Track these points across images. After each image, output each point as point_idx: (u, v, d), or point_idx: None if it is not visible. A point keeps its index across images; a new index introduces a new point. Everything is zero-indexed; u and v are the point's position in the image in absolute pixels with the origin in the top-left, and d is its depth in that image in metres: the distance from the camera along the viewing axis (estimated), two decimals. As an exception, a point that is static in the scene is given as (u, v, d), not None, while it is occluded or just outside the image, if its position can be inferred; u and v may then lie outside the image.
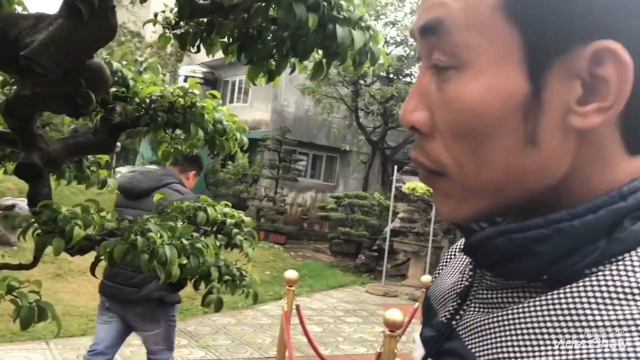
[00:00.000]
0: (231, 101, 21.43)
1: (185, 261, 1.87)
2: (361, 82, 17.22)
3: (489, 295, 0.59)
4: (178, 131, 2.52)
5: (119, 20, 1.73)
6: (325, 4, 1.52)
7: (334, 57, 1.75)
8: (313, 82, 17.61)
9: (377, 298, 11.90)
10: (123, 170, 19.37)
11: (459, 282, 0.66)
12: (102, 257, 1.94)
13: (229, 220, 2.44)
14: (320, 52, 1.85)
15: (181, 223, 2.12)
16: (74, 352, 6.59)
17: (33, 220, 1.83)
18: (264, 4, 1.67)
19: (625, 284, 0.46)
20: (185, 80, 20.61)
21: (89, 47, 1.64)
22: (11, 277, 1.62)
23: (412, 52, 16.58)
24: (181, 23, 2.05)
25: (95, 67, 1.81)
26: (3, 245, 9.24)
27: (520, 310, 0.52)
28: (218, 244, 2.32)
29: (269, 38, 1.95)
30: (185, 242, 1.96)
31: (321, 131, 19.95)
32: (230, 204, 2.71)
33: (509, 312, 0.53)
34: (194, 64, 21.48)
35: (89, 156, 2.58)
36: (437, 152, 0.55)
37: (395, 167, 13.90)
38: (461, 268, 0.69)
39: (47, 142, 2.10)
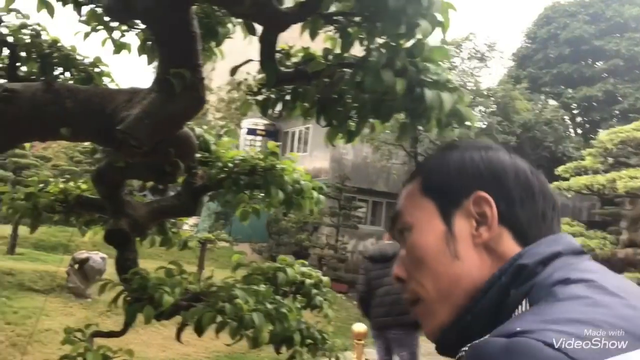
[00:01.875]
0: (291, 150, 21.74)
1: (270, 327, 1.85)
2: (420, 127, 17.15)
3: None
4: (255, 191, 2.55)
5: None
6: (413, 68, 1.51)
7: (420, 118, 1.73)
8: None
9: (446, 349, 11.43)
10: (203, 225, 19.81)
11: None
12: (188, 323, 1.95)
13: (307, 281, 2.41)
14: (402, 113, 1.83)
15: (263, 286, 2.11)
16: (144, 406, 6.60)
17: (122, 288, 1.86)
18: (348, 70, 1.68)
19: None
20: (248, 133, 21.16)
21: (180, 119, 1.69)
22: (105, 347, 1.64)
23: (471, 97, 16.44)
24: (262, 90, 2.11)
25: (183, 136, 1.87)
26: (78, 297, 9.53)
27: None
28: (298, 305, 2.29)
29: (349, 101, 1.96)
30: (269, 306, 1.95)
31: (380, 177, 19.85)
32: (304, 262, 2.69)
33: None
34: (256, 117, 22.03)
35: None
36: (412, 287, 0.87)
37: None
38: None
39: (134, 208, 2.16)
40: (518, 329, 0.66)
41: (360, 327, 5.84)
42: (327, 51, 1.79)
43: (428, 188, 0.89)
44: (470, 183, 0.85)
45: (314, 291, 2.39)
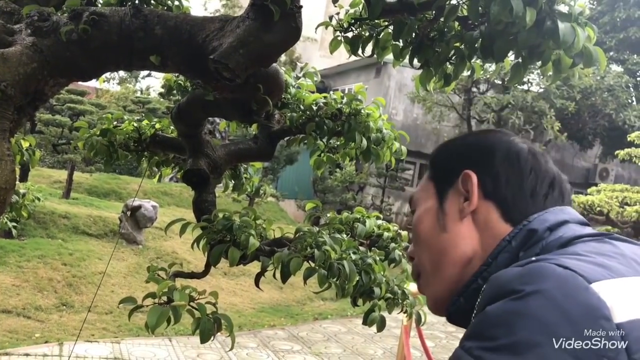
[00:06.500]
0: (339, 109, 21.42)
1: (357, 278, 1.75)
2: (474, 89, 16.63)
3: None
4: (333, 138, 2.43)
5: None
6: (544, -3, 1.33)
7: (535, 58, 1.56)
8: (423, 90, 17.21)
9: (490, 315, 11.32)
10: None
11: None
12: (269, 269, 1.87)
13: (385, 234, 2.30)
14: (514, 52, 1.66)
15: (345, 236, 2.01)
16: (194, 350, 6.77)
17: (204, 229, 1.79)
18: (461, 1, 1.51)
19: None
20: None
21: (276, 50, 1.56)
22: (191, 287, 1.57)
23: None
24: (352, 27, 1.96)
25: (272, 72, 1.75)
26: (130, 243, 9.77)
27: None
28: (377, 258, 2.19)
29: (450, 39, 1.80)
30: (353, 256, 1.85)
31: (429, 140, 19.49)
32: (379, 215, 2.58)
33: None
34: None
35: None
36: (415, 261, 0.98)
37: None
38: None
39: (213, 149, 2.07)
40: (533, 259, 0.74)
41: (411, 287, 5.76)
42: (435, -20, 1.62)
43: (432, 173, 1.00)
44: (462, 163, 0.93)
45: (392, 245, 2.28)
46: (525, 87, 16.19)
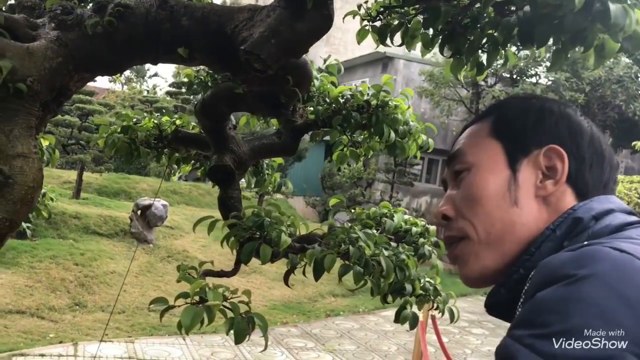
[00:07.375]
0: (345, 105, 21.36)
1: (393, 274, 1.70)
2: (482, 83, 16.51)
3: None
4: (357, 132, 2.37)
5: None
6: (594, -23, 1.27)
7: (578, 43, 1.49)
8: (431, 84, 17.17)
9: (502, 309, 11.23)
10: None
11: None
12: (298, 266, 1.82)
13: (414, 229, 2.25)
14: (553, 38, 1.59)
15: (375, 231, 1.96)
16: (208, 348, 6.73)
17: (233, 226, 1.74)
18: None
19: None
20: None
21: (308, 39, 1.50)
22: (224, 287, 1.52)
23: (537, 52, 15.59)
24: (381, 16, 1.89)
25: (301, 63, 1.69)
26: (140, 242, 9.75)
27: None
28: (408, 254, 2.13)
29: (485, 26, 1.74)
30: (386, 252, 1.79)
31: (437, 135, 19.37)
32: (404, 210, 2.53)
33: None
34: (310, 69, 21.59)
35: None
36: (460, 225, 0.87)
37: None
38: None
39: (238, 144, 2.02)
40: (585, 243, 0.70)
41: (428, 282, 5.71)
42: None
43: (499, 130, 0.88)
44: (546, 134, 0.84)
45: (422, 240, 2.22)
46: (533, 79, 16.06)
